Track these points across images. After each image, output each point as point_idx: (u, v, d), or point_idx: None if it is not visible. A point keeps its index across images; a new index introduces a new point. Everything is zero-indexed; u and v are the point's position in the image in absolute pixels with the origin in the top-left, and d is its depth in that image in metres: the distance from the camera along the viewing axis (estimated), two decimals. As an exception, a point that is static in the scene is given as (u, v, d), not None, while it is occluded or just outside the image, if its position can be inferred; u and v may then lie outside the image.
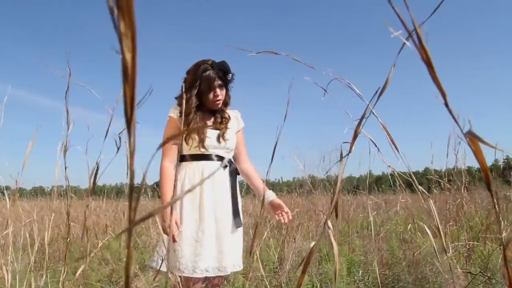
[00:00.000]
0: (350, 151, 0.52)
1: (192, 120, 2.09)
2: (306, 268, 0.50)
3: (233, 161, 2.27)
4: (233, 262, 2.07)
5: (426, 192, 1.19)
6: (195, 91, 2.09)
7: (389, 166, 1.05)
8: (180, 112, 2.11)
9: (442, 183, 3.56)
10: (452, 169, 3.75)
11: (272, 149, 0.98)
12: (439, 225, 3.14)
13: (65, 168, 1.66)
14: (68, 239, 1.85)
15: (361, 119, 0.50)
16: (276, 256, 3.47)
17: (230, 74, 2.14)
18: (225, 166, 2.16)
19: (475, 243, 2.87)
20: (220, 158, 2.14)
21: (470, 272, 2.56)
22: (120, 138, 1.31)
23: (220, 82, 2.12)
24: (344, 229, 4.96)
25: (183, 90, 2.14)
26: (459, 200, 3.23)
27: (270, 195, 2.23)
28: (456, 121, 0.42)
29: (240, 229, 2.17)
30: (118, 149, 1.31)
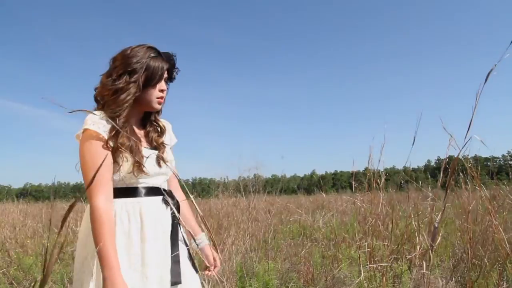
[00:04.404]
0: None
1: (122, 128, 1.41)
2: None
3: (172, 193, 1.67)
4: None
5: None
6: (135, 80, 1.44)
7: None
8: (113, 116, 1.42)
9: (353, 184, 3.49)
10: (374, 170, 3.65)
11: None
12: (358, 240, 3.14)
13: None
14: None
15: None
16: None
17: (176, 70, 1.60)
18: (167, 203, 1.55)
19: (385, 264, 2.88)
20: (158, 191, 1.54)
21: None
22: None
23: (166, 75, 1.55)
24: (275, 240, 4.96)
25: (114, 80, 1.44)
26: (377, 216, 3.24)
27: (201, 240, 1.77)
28: None
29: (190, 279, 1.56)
30: None
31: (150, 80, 1.47)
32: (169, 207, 1.55)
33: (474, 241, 3.02)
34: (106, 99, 1.45)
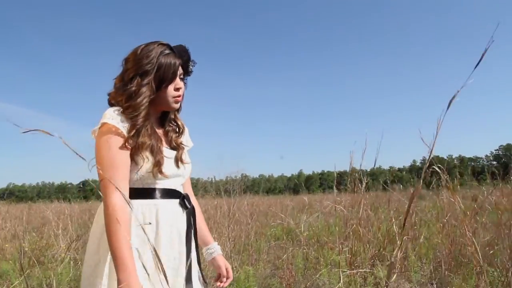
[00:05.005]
0: None
1: (142, 128, 1.37)
2: None
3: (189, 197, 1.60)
4: None
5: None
6: (148, 82, 1.38)
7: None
8: (132, 117, 1.36)
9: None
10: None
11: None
12: (340, 244, 3.14)
13: None
14: None
15: None
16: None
17: (192, 63, 1.51)
18: (185, 207, 1.51)
19: (364, 270, 2.88)
20: (175, 193, 1.49)
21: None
22: None
23: (181, 71, 1.48)
24: (258, 243, 4.93)
25: (126, 84, 1.39)
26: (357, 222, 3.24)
27: (214, 250, 1.71)
28: None
29: None
30: None
31: (164, 80, 1.41)
32: (185, 211, 1.50)
33: (453, 246, 3.04)
34: (121, 104, 1.39)
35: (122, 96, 1.39)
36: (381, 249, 3.67)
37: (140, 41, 1.47)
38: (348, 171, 4.01)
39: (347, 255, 2.93)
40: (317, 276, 2.69)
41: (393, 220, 3.25)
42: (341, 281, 2.48)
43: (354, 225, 3.13)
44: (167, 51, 1.42)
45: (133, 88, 1.37)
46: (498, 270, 2.90)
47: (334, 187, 3.27)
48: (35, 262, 5.06)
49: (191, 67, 1.51)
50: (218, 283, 1.70)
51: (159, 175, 1.39)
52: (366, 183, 3.66)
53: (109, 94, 1.46)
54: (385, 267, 2.78)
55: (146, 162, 1.36)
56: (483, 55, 0.81)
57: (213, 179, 7.31)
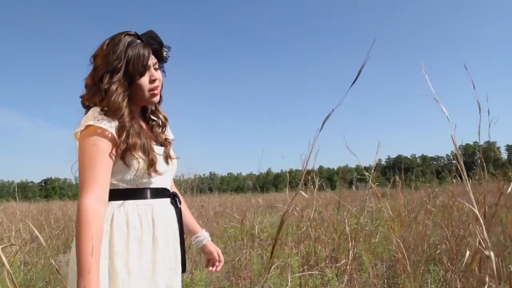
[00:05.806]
0: None
1: (131, 128, 1.30)
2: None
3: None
4: None
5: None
6: (119, 79, 1.29)
7: None
8: (117, 116, 1.29)
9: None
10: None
11: None
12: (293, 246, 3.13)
13: None
14: None
15: None
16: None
17: (166, 48, 1.42)
18: (176, 206, 1.50)
19: (314, 272, 2.89)
20: (165, 192, 1.46)
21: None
22: None
23: (155, 60, 1.39)
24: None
25: (97, 83, 1.30)
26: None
27: (204, 237, 1.72)
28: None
29: None
30: None
31: (134, 74, 1.32)
32: (175, 209, 1.50)
33: (405, 246, 3.10)
34: (98, 106, 1.31)
35: (96, 98, 1.31)
36: (333, 250, 3.69)
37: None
38: (316, 169, 4.02)
39: (299, 257, 2.93)
40: (264, 280, 2.67)
41: (346, 221, 3.27)
42: (289, 283, 2.47)
43: (304, 227, 3.13)
44: (135, 42, 1.33)
45: (105, 86, 1.29)
46: (443, 270, 2.98)
47: (287, 189, 3.26)
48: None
49: (165, 53, 1.42)
50: (211, 268, 1.74)
51: (154, 174, 1.35)
52: (330, 180, 3.68)
53: (82, 97, 1.37)
54: (334, 270, 2.79)
55: (140, 162, 1.31)
56: (359, 72, 0.79)
57: (181, 178, 7.19)
